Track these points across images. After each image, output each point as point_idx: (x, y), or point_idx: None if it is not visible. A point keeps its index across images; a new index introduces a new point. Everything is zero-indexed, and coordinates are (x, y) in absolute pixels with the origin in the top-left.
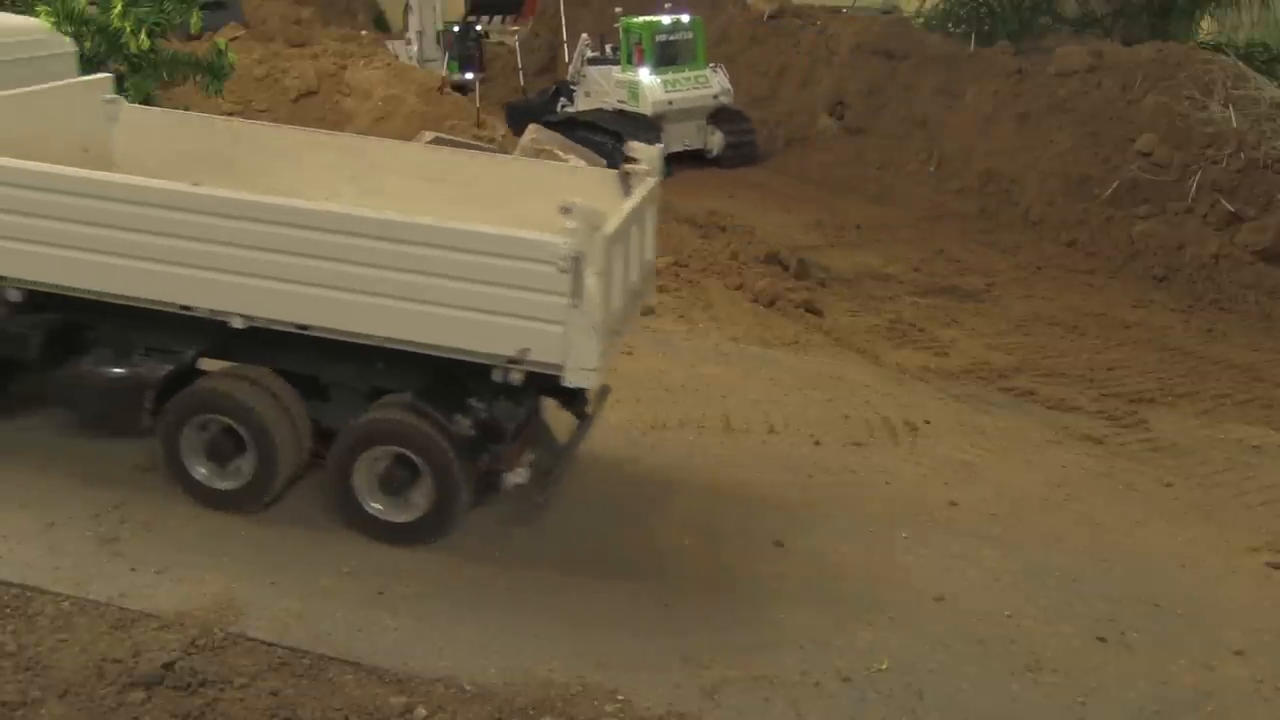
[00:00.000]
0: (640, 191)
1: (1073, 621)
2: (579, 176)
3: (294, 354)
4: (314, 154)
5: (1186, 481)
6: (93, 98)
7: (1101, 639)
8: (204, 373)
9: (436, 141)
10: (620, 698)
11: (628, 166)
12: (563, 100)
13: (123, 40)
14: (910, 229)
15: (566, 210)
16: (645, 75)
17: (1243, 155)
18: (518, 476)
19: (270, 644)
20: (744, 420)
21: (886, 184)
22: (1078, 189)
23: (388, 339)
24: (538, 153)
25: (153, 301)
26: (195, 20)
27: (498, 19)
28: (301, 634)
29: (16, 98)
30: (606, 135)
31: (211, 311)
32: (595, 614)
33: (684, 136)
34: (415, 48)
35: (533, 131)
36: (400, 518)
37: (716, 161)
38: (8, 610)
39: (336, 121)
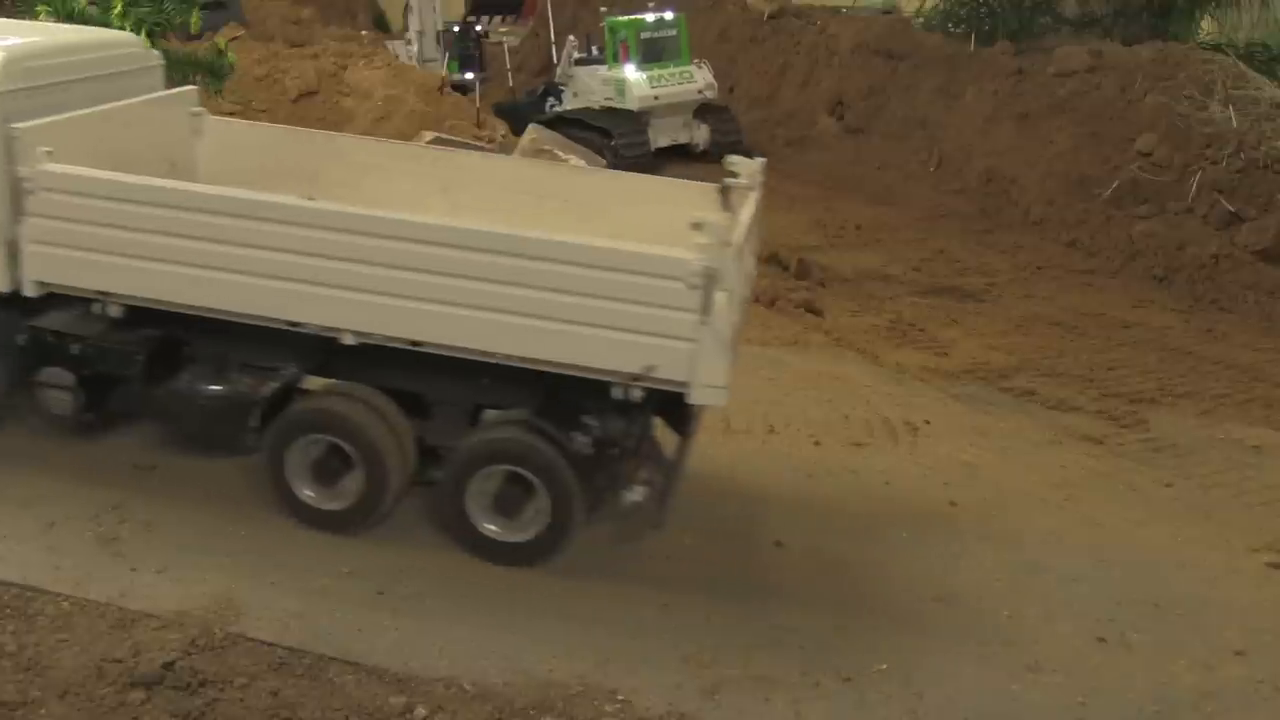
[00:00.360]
0: (749, 205)
1: (1073, 621)
2: (675, 190)
3: (396, 370)
4: (401, 165)
5: (1186, 481)
6: (179, 110)
7: (1101, 639)
8: (306, 391)
9: (436, 141)
10: (620, 698)
11: (728, 180)
12: (551, 100)
13: None
14: (910, 229)
15: (698, 226)
16: (631, 72)
17: (1243, 155)
18: (635, 495)
19: (270, 644)
20: (744, 420)
21: (886, 184)
22: (1078, 189)
23: (509, 356)
24: (537, 153)
25: (259, 318)
26: (195, 20)
27: (497, 19)
28: (301, 634)
29: (109, 112)
30: (594, 132)
31: (322, 328)
32: (595, 614)
33: (670, 131)
34: (415, 48)
35: (533, 132)
36: (514, 538)
37: (703, 156)
38: (8, 610)
39: (336, 121)
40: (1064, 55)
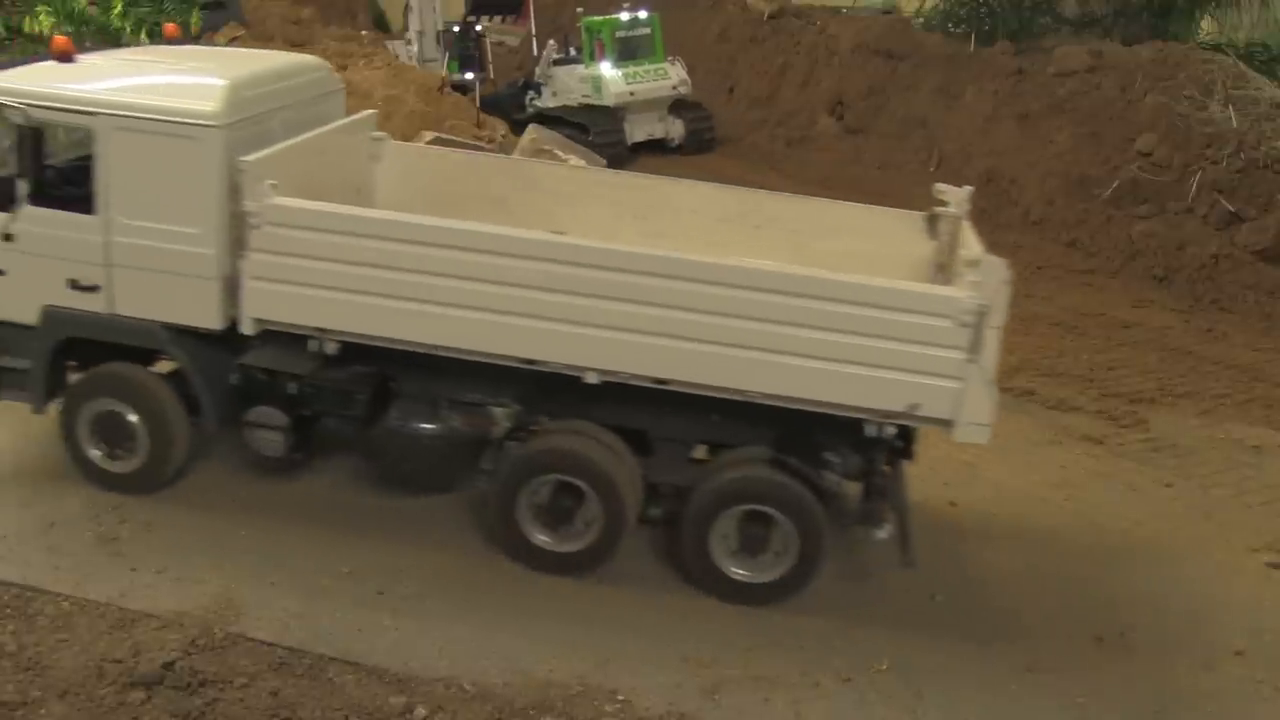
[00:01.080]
0: (968, 233)
1: (1073, 621)
2: (878, 218)
3: (622, 407)
4: (592, 191)
5: (1186, 481)
6: (361, 136)
7: (1101, 639)
8: (532, 431)
9: (436, 141)
10: (620, 698)
11: (936, 209)
12: (530, 94)
13: (123, 40)
14: None
15: (972, 263)
16: (607, 69)
17: (1243, 155)
18: (884, 532)
19: (270, 644)
20: None
21: (886, 184)
22: (1078, 189)
23: (768, 395)
24: (537, 152)
25: (494, 355)
26: (195, 20)
27: (497, 19)
28: (301, 634)
29: (309, 141)
30: (572, 127)
31: (566, 366)
32: (595, 614)
33: (646, 126)
34: (415, 48)
35: (532, 132)
36: (760, 578)
37: (678, 150)
38: (8, 610)
39: None
40: (1064, 55)
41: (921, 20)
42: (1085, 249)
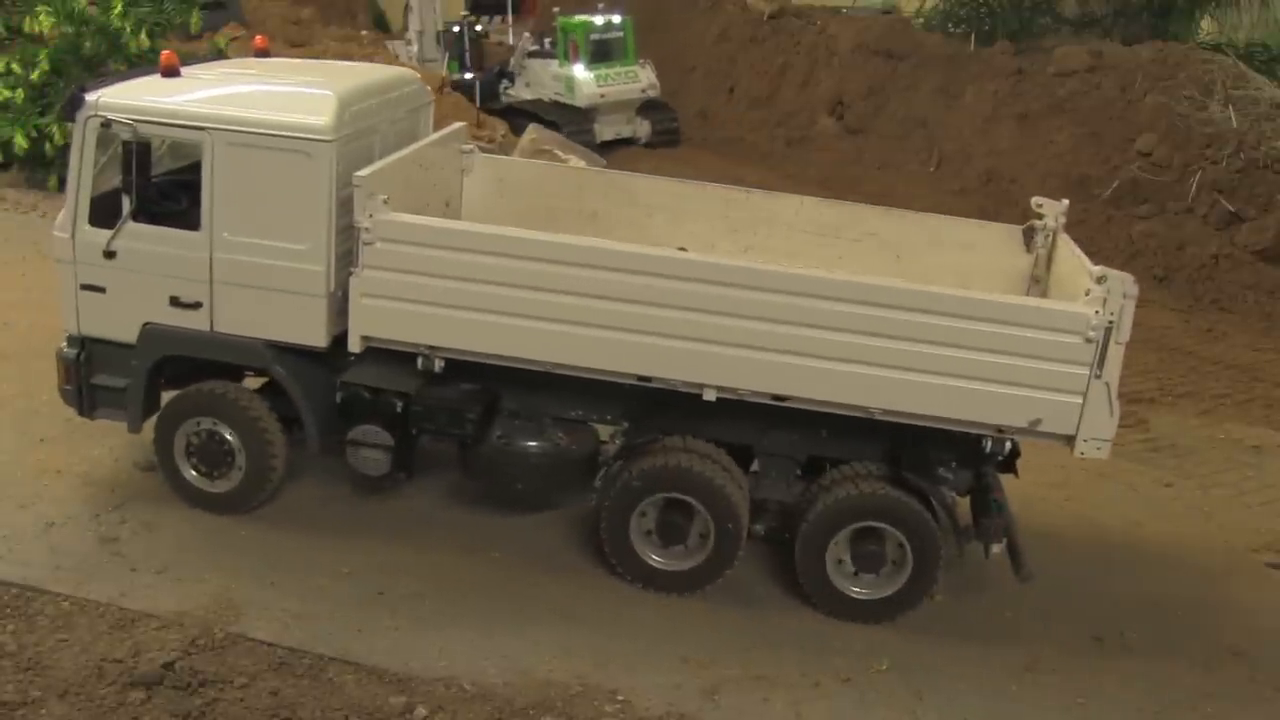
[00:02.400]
0: (1069, 247)
1: (1073, 621)
2: (976, 231)
3: (729, 423)
4: (686, 204)
5: (1186, 481)
6: (452, 148)
7: (1101, 639)
8: (642, 448)
9: None
10: (620, 698)
11: (1034, 222)
12: (505, 83)
13: (123, 40)
14: None
15: (1100, 280)
16: (580, 71)
17: (1243, 155)
18: (999, 547)
19: (270, 644)
20: None
21: (886, 184)
22: (1078, 189)
23: (889, 411)
24: (537, 152)
25: (609, 373)
26: (195, 20)
27: (498, 18)
28: (301, 634)
29: (410, 155)
30: (544, 124)
31: (684, 383)
32: (595, 614)
33: (615, 126)
34: (415, 48)
35: (532, 132)
36: (875, 594)
37: (646, 146)
38: (8, 610)
39: None
40: (1064, 55)
41: (921, 20)
42: (1085, 249)
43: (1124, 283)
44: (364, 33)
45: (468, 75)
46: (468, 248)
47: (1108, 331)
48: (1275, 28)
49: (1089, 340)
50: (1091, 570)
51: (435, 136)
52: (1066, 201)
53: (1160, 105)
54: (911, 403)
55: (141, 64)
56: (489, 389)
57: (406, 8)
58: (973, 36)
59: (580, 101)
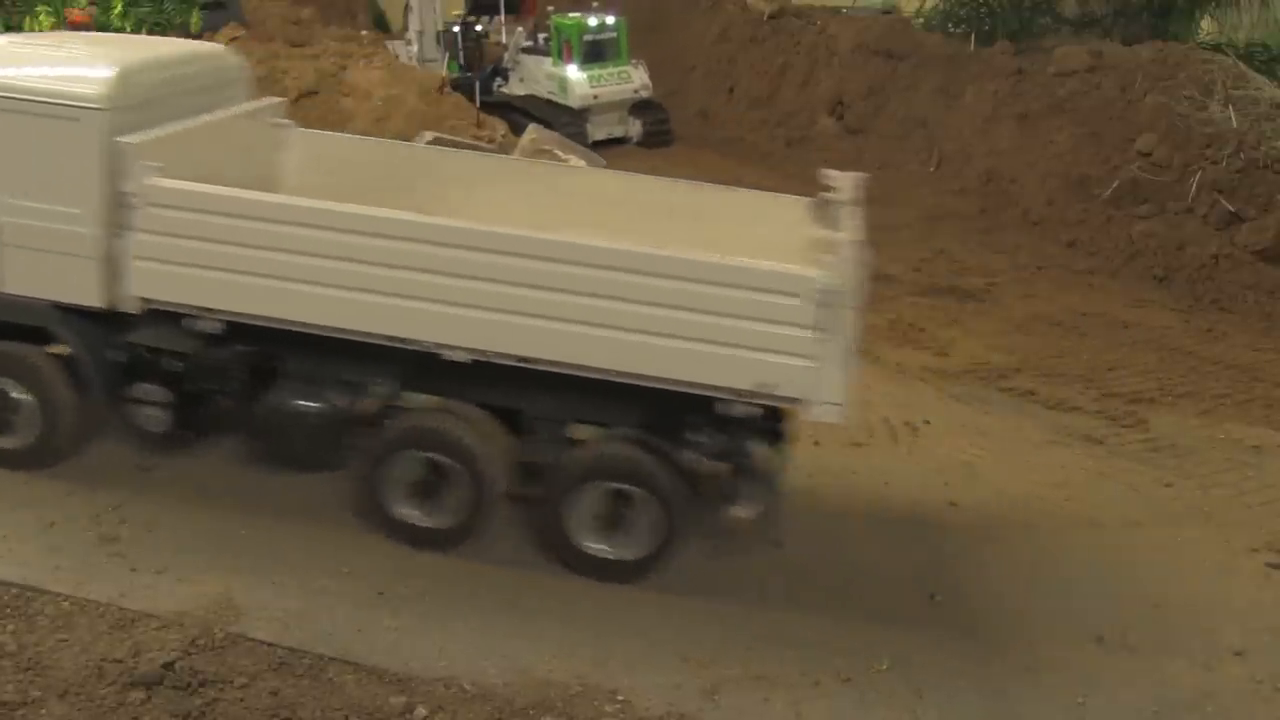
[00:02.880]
0: (854, 220)
1: (1073, 621)
2: (769, 204)
3: (497, 387)
4: (498, 178)
5: (1186, 481)
6: (264, 122)
7: (1101, 639)
8: (404, 408)
9: (436, 141)
10: (620, 698)
11: (825, 195)
12: (499, 80)
13: None
14: (910, 229)
15: (826, 244)
16: (573, 72)
17: (1243, 155)
18: (746, 511)
19: (270, 644)
20: None
21: (886, 184)
22: (1078, 189)
23: (625, 373)
24: (537, 152)
25: (366, 334)
26: (195, 20)
27: (498, 18)
28: (301, 634)
29: (204, 126)
30: (538, 122)
31: (433, 344)
32: (595, 614)
33: (607, 126)
34: (415, 48)
35: (532, 132)
36: (620, 555)
37: (638, 145)
38: (8, 610)
39: (336, 122)
40: (1064, 55)
41: (921, 20)
42: (1085, 249)
43: (852, 249)
44: (364, 33)
45: (468, 75)
46: (224, 212)
47: (834, 294)
48: (1275, 28)
49: (816, 303)
50: (1091, 570)
51: (242, 109)
52: (863, 175)
53: (1160, 105)
54: (641, 365)
55: None
56: (264, 351)
57: (406, 8)
58: (973, 36)
59: (573, 102)
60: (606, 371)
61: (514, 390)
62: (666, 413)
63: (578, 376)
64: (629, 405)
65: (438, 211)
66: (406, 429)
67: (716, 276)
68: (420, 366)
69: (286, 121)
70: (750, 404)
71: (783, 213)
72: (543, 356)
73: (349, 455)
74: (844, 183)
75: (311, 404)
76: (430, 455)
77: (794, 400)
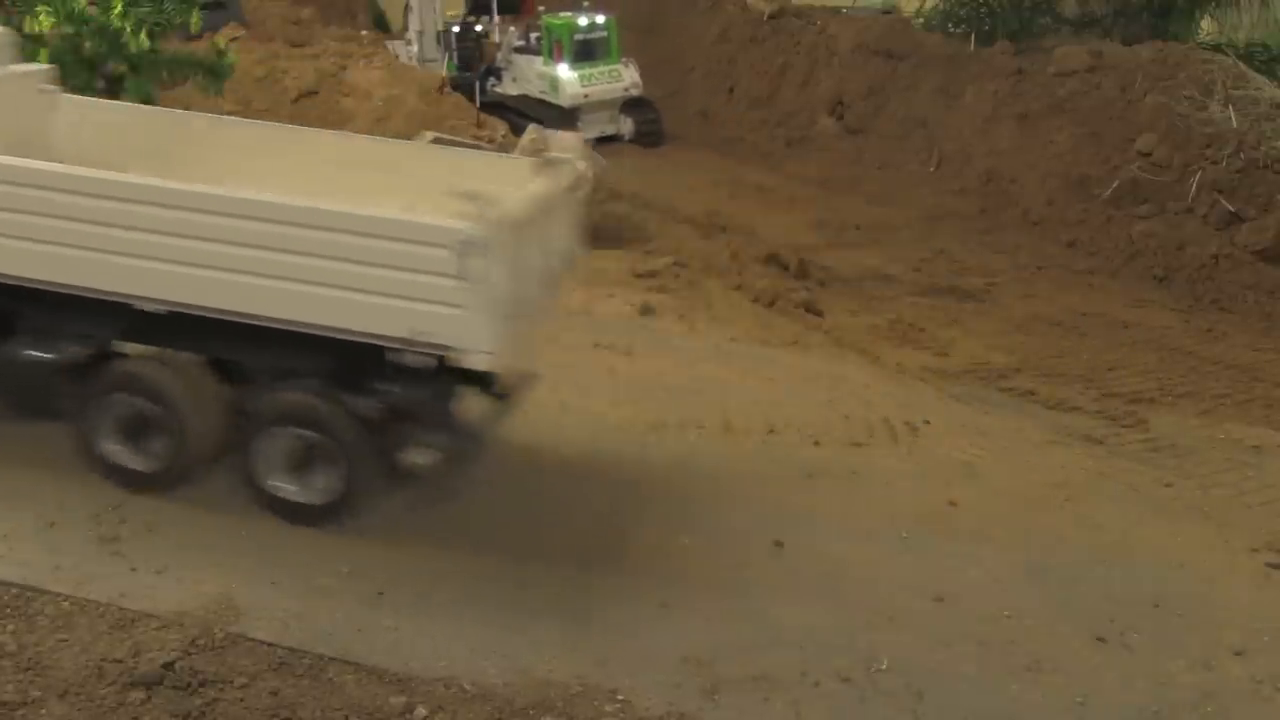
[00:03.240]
0: (552, 179)
1: (1073, 621)
2: (493, 163)
3: (209, 338)
4: (247, 142)
5: (1186, 482)
6: (30, 88)
7: (1101, 639)
8: (119, 356)
9: (436, 141)
10: (620, 698)
11: (546, 155)
12: (492, 80)
13: (123, 40)
14: (910, 229)
15: (466, 197)
16: (564, 71)
17: (1243, 155)
18: (418, 456)
19: (270, 644)
20: (744, 420)
21: (886, 184)
22: (1078, 189)
23: (293, 322)
24: (537, 152)
25: (62, 285)
26: (195, 20)
27: (498, 18)
28: (301, 634)
29: None
30: (530, 121)
31: (129, 297)
32: (595, 614)
33: (598, 124)
34: (415, 48)
35: (533, 132)
36: (307, 499)
37: (629, 143)
38: (8, 610)
39: (336, 121)
40: (1064, 55)
41: (921, 20)
42: (1085, 249)
43: (490, 200)
44: (364, 33)
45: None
46: None
47: (477, 245)
48: (1275, 28)
49: (459, 254)
50: (1091, 570)
51: (4, 72)
52: (541, 128)
53: (1160, 105)
54: (306, 314)
55: (142, 64)
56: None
57: (406, 8)
58: (973, 36)
59: (564, 101)
60: (279, 321)
61: (221, 341)
62: (352, 363)
63: (271, 328)
64: (320, 355)
65: (193, 176)
66: (115, 375)
67: (363, 228)
68: (138, 318)
69: (51, 87)
70: (420, 353)
71: (503, 173)
72: (218, 306)
73: (63, 402)
74: (567, 143)
75: (23, 352)
76: (136, 400)
77: (449, 348)
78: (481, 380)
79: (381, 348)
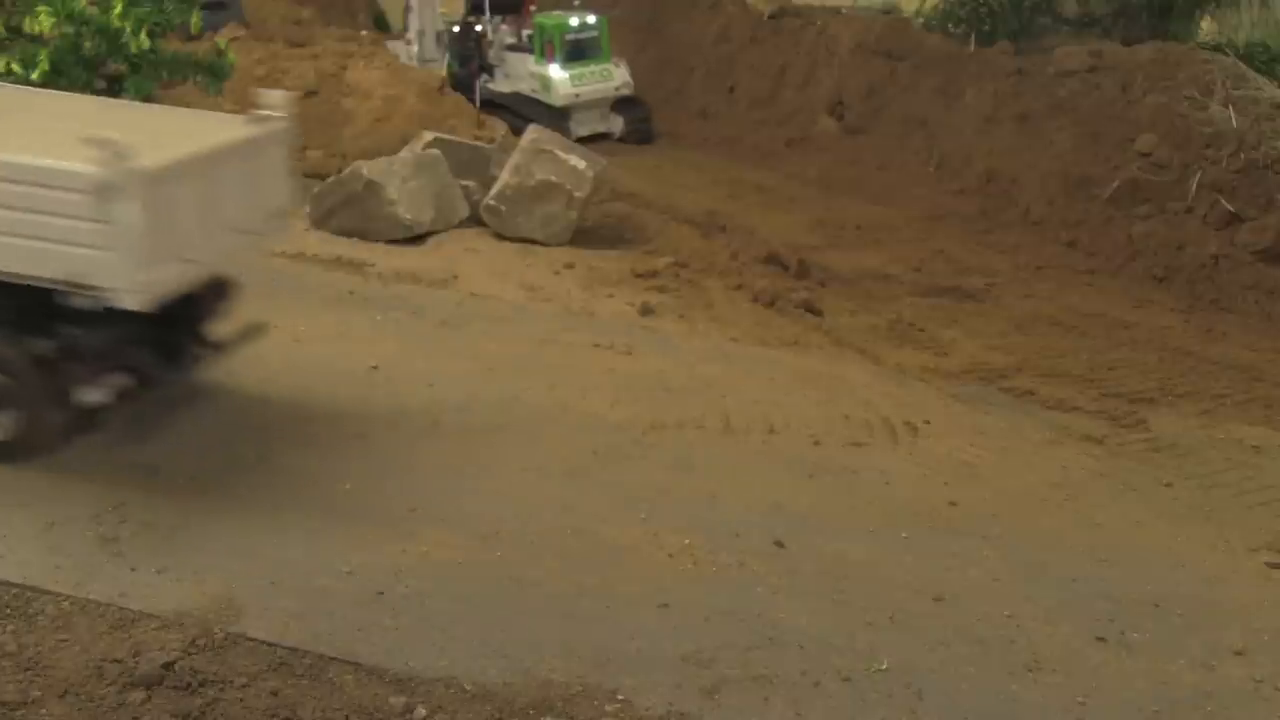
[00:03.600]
0: (239, 132)
1: (1073, 621)
2: (211, 123)
3: None
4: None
5: (1186, 481)
6: None
7: (1101, 639)
8: None
9: (437, 141)
10: (620, 698)
11: (255, 111)
12: (484, 76)
13: (123, 40)
14: (910, 229)
15: (97, 142)
16: (555, 71)
17: (1243, 155)
18: (91, 395)
19: (270, 644)
20: (744, 420)
21: (886, 184)
22: (1078, 189)
23: None
24: (537, 152)
25: None
26: (195, 20)
27: (498, 18)
28: (301, 634)
29: None
30: (521, 120)
31: None
32: (595, 614)
33: (590, 123)
34: (415, 48)
35: (533, 132)
36: None
37: (620, 141)
38: (8, 610)
39: (337, 122)
40: (1064, 55)
41: (921, 20)
42: (1085, 249)
43: (122, 147)
44: (364, 33)
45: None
46: None
47: (111, 188)
48: (1275, 28)
49: (95, 197)
50: (1091, 570)
51: None
52: (285, 93)
53: (1160, 105)
54: None
55: (142, 64)
56: None
57: (406, 8)
58: (973, 36)
59: (556, 101)
60: None
61: None
62: (35, 307)
63: None
64: (4, 298)
65: None
66: None
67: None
68: None
69: None
70: (86, 296)
71: (208, 129)
72: None
73: None
74: (273, 101)
75: None
76: None
77: (103, 289)
78: (186, 326)
79: (60, 290)
